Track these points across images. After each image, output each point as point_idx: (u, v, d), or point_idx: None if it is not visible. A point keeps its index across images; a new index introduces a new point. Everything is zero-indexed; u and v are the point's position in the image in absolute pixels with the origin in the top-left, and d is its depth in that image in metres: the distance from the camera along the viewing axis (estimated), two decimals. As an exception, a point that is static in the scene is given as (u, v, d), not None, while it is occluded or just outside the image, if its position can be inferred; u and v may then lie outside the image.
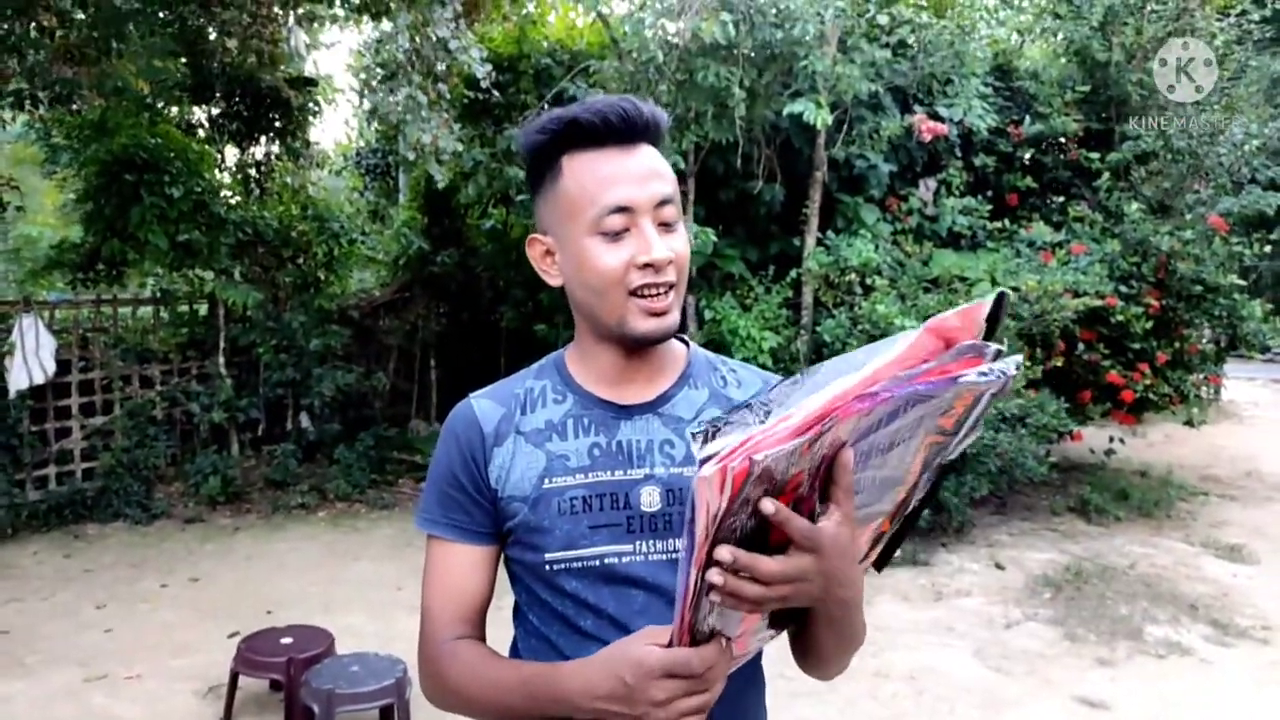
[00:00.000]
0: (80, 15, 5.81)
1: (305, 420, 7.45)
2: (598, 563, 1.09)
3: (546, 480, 1.10)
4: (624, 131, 1.06)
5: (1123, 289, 6.33)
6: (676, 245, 1.07)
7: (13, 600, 4.81)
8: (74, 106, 6.02)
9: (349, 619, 4.50)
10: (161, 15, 6.27)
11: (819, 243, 6.21)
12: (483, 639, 1.16)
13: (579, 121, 1.05)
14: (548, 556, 1.09)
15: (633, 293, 1.05)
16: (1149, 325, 6.36)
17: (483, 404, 1.16)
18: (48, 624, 4.50)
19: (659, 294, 1.06)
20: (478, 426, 1.14)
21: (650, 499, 1.10)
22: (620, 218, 1.04)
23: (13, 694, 3.76)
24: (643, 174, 1.06)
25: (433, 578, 1.16)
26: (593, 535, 1.08)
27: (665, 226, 1.07)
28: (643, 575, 1.09)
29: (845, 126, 6.21)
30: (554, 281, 1.13)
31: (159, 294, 7.13)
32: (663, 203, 1.07)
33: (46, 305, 6.49)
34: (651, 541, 1.09)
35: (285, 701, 3.45)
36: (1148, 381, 6.51)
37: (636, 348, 1.12)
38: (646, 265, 1.04)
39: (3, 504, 5.80)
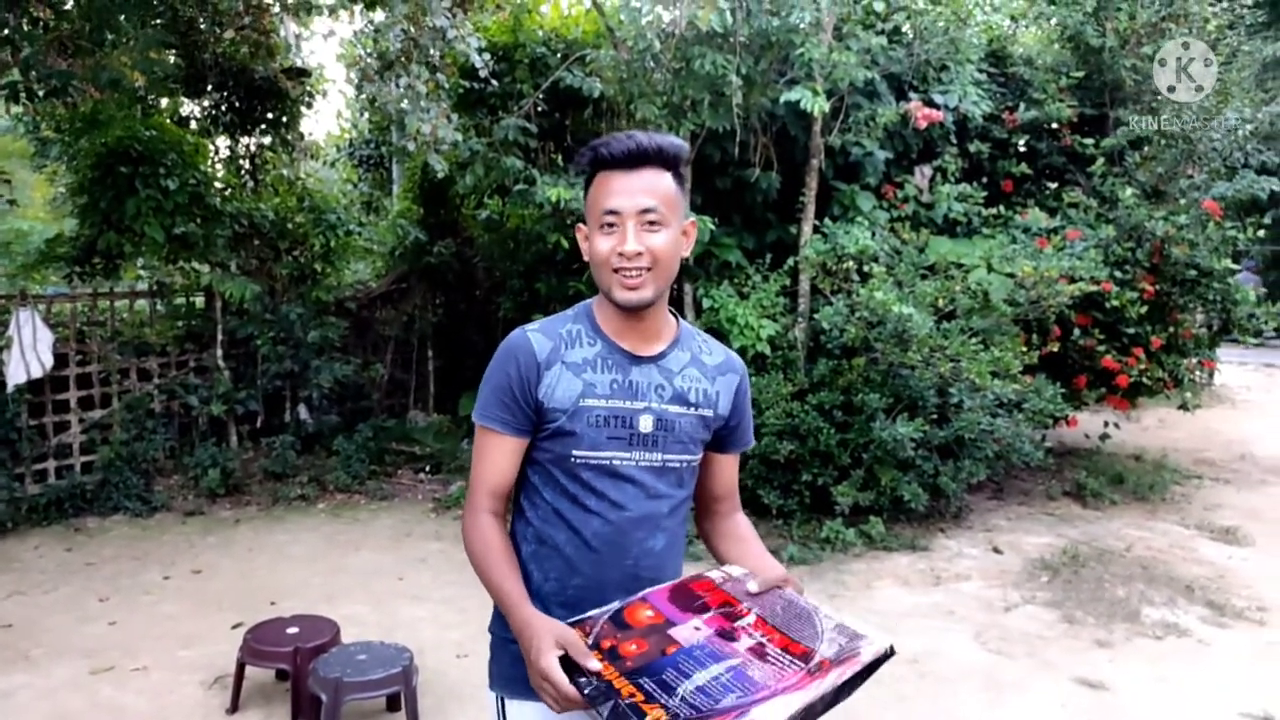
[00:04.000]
0: (71, 6, 5.78)
1: (304, 412, 7.45)
2: (608, 462, 1.55)
3: (582, 400, 1.53)
4: (628, 160, 1.49)
5: (1117, 274, 6.36)
6: (654, 242, 1.49)
7: (15, 594, 4.81)
8: (68, 99, 5.97)
9: (351, 609, 4.52)
10: (153, 4, 6.23)
11: (816, 230, 6.22)
12: (504, 512, 1.60)
13: (598, 152, 1.52)
14: (575, 453, 1.54)
15: (614, 271, 1.49)
16: (1143, 310, 6.39)
17: (537, 337, 1.57)
18: (51, 617, 4.50)
19: (632, 275, 1.49)
20: (534, 355, 1.55)
21: (646, 424, 1.56)
22: (611, 218, 1.48)
23: (18, 686, 3.77)
24: (635, 190, 1.48)
25: (481, 456, 1.59)
26: (608, 443, 1.54)
27: (651, 226, 1.49)
28: (634, 475, 1.56)
29: (841, 114, 6.21)
30: (587, 258, 1.55)
31: (155, 287, 7.11)
32: (646, 210, 1.48)
33: (43, 299, 6.46)
34: (644, 453, 1.56)
35: (293, 691, 3.47)
36: (1142, 366, 6.55)
37: (621, 311, 1.55)
38: (621, 254, 1.48)
39: (2, 498, 5.79)
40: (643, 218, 1.48)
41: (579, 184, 5.83)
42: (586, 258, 1.56)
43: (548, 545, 1.57)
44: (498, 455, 1.57)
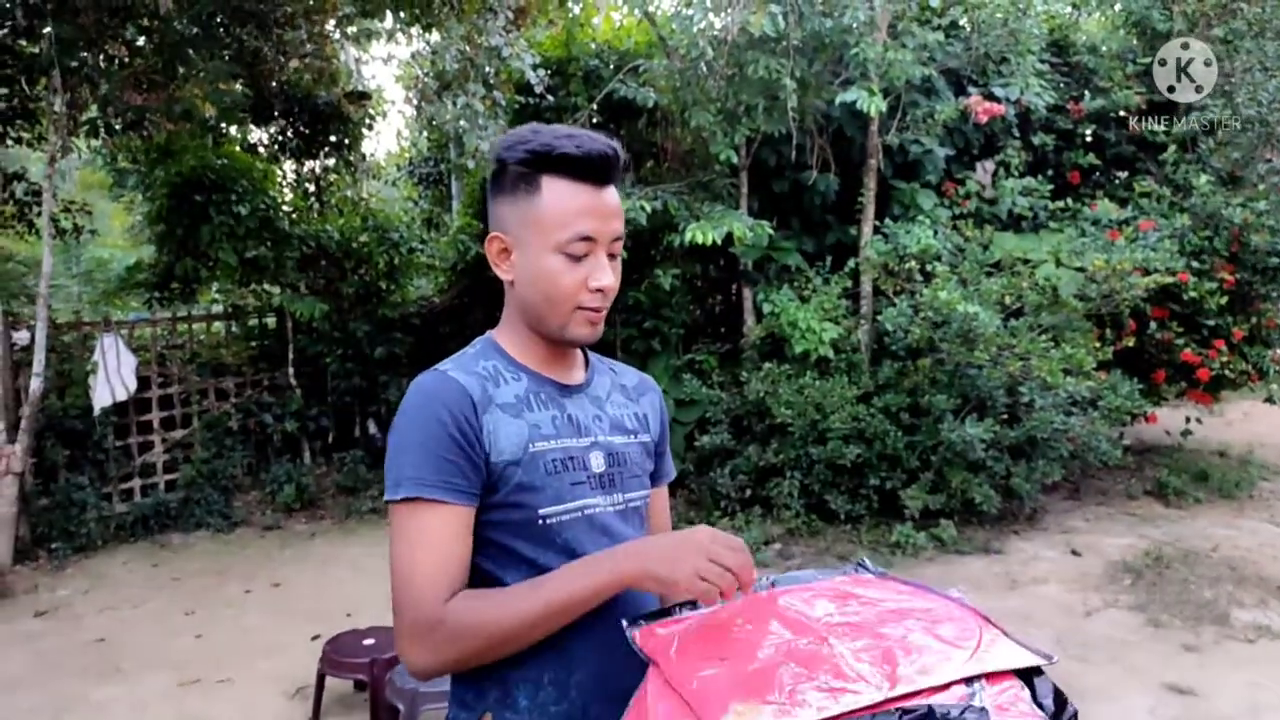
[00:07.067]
0: (144, 42, 6.02)
1: (373, 427, 7.61)
2: (581, 513, 1.25)
3: (531, 445, 1.23)
4: (601, 172, 1.22)
5: (1194, 264, 6.16)
6: (617, 270, 1.27)
7: (107, 609, 5.01)
8: (144, 132, 6.23)
9: (426, 620, 4.59)
10: (221, 37, 6.47)
11: (876, 231, 6.15)
12: None
13: (567, 156, 1.19)
14: (541, 512, 1.22)
15: (579, 307, 1.24)
16: (1223, 300, 6.18)
17: (460, 376, 1.24)
18: (140, 631, 4.68)
19: (598, 312, 1.26)
20: (466, 395, 1.21)
21: (598, 461, 1.29)
22: (584, 245, 1.21)
23: (112, 698, 3.92)
24: (609, 212, 1.23)
25: (421, 543, 1.15)
26: (574, 490, 1.25)
27: (611, 257, 1.25)
28: (608, 524, 1.27)
29: (898, 112, 6.13)
30: (506, 276, 1.28)
31: (230, 309, 7.34)
32: (616, 239, 1.25)
33: (125, 324, 6.73)
34: (607, 496, 1.29)
35: (370, 701, 3.54)
36: (1224, 358, 6.33)
37: (548, 341, 1.30)
38: (597, 290, 1.23)
39: (92, 516, 6.04)
40: (612, 246, 1.25)
41: (635, 193, 5.85)
42: (508, 278, 1.27)
43: (541, 645, 1.17)
44: (449, 535, 1.16)
